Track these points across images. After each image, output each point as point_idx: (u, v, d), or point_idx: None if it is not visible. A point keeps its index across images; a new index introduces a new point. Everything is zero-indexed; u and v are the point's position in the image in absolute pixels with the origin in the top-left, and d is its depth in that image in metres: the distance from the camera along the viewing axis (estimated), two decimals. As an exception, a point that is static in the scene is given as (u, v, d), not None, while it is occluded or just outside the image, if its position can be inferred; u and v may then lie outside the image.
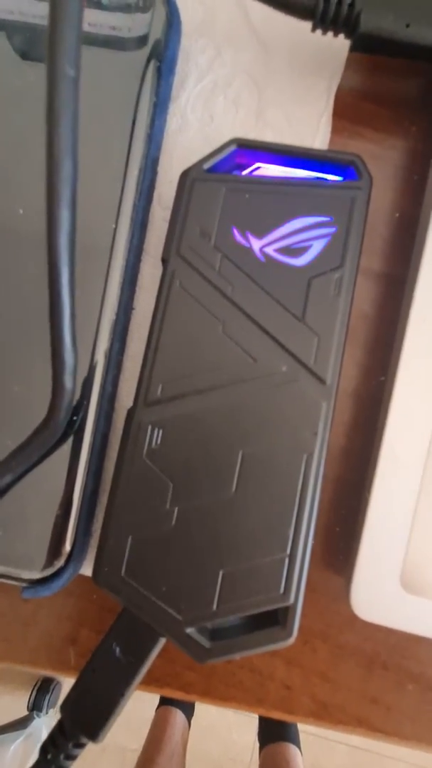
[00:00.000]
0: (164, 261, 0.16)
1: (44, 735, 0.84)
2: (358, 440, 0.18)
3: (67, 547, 0.16)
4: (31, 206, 0.17)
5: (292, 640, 0.14)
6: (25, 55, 0.18)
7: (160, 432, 0.15)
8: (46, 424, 0.15)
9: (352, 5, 0.16)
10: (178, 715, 0.77)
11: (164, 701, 0.80)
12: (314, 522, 0.15)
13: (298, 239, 0.16)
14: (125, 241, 0.17)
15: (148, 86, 0.17)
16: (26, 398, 0.16)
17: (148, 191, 0.18)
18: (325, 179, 0.16)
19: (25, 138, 0.17)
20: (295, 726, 0.75)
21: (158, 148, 0.18)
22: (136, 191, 0.17)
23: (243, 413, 0.15)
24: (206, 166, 0.16)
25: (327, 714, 0.17)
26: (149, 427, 0.15)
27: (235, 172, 0.17)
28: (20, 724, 0.84)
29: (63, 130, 0.12)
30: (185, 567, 0.14)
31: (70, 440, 0.16)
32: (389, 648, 0.18)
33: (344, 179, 0.16)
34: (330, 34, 0.17)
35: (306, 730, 0.83)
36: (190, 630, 0.14)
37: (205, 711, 0.90)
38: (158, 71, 0.17)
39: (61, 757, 0.15)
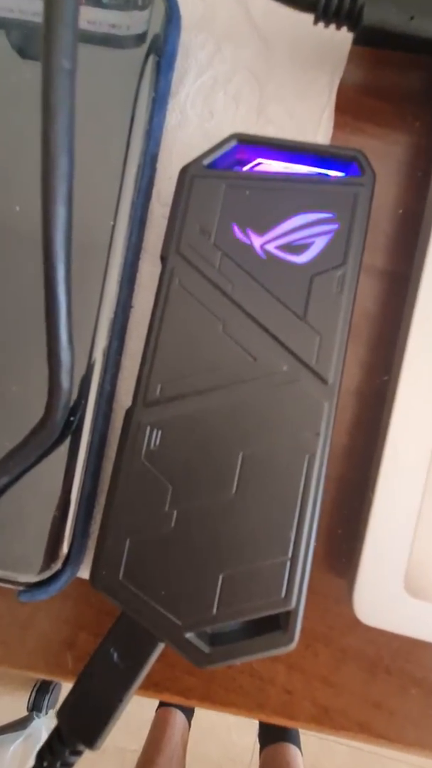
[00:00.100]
0: (163, 259, 0.16)
1: (44, 735, 0.84)
2: (360, 439, 0.18)
3: (65, 549, 0.16)
4: (28, 204, 0.17)
5: (293, 646, 0.14)
6: (23, 54, 0.17)
7: (159, 433, 0.15)
8: (43, 424, 0.15)
9: (354, -2, 0.15)
10: (178, 716, 0.77)
11: (164, 702, 0.80)
12: (316, 524, 0.14)
13: (300, 236, 0.15)
14: (124, 239, 0.17)
15: (147, 82, 0.17)
16: (23, 398, 0.16)
17: (147, 188, 0.18)
18: (328, 175, 0.16)
19: (24, 136, 0.17)
20: (296, 727, 0.75)
21: (157, 144, 0.18)
22: (135, 188, 0.17)
23: (243, 413, 0.15)
24: (206, 162, 0.16)
25: (329, 719, 0.17)
26: (148, 428, 0.15)
27: (236, 168, 0.17)
28: (20, 724, 0.84)
29: (59, 125, 0.12)
30: (184, 570, 0.14)
31: (67, 441, 0.16)
32: (392, 652, 0.17)
33: (347, 175, 0.16)
34: (332, 27, 0.17)
35: (306, 731, 0.83)
36: (189, 635, 0.14)
37: (205, 712, 0.90)
38: (157, 67, 0.17)
39: (58, 764, 0.14)
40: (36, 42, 0.17)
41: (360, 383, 0.18)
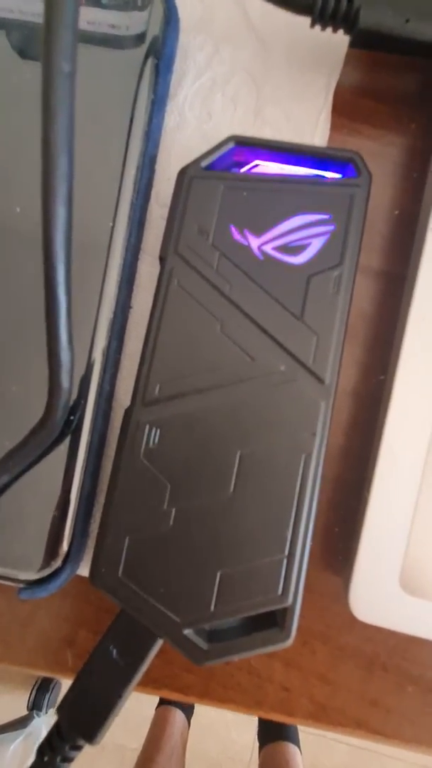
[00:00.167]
0: (162, 259, 0.16)
1: (44, 734, 0.84)
2: (357, 439, 0.18)
3: (64, 547, 0.16)
4: (28, 204, 0.17)
5: (290, 642, 0.14)
6: (24, 54, 0.18)
7: (158, 432, 0.15)
8: (42, 423, 0.15)
9: (351, 1, 0.16)
10: (178, 714, 0.77)
11: (164, 700, 0.80)
12: (313, 522, 0.14)
13: (297, 237, 0.15)
14: (123, 240, 0.17)
15: (146, 84, 0.17)
16: (23, 398, 0.16)
17: (146, 189, 0.18)
18: (324, 176, 0.16)
19: (24, 137, 0.17)
20: (295, 725, 0.75)
21: (156, 145, 0.18)
22: (134, 189, 0.17)
23: (241, 413, 0.15)
24: (204, 163, 0.16)
25: (326, 716, 0.17)
26: (147, 427, 0.15)
27: (233, 170, 0.17)
28: (20, 723, 0.84)
29: (59, 126, 0.12)
30: (183, 568, 0.14)
31: (67, 440, 0.16)
32: (389, 649, 0.17)
33: (343, 176, 0.16)
34: (329, 30, 0.17)
35: (306, 729, 0.83)
36: (187, 632, 0.14)
37: (204, 710, 0.90)
38: (156, 69, 0.17)
39: (58, 759, 0.14)
40: (36, 42, 0.17)
41: (356, 383, 0.18)
